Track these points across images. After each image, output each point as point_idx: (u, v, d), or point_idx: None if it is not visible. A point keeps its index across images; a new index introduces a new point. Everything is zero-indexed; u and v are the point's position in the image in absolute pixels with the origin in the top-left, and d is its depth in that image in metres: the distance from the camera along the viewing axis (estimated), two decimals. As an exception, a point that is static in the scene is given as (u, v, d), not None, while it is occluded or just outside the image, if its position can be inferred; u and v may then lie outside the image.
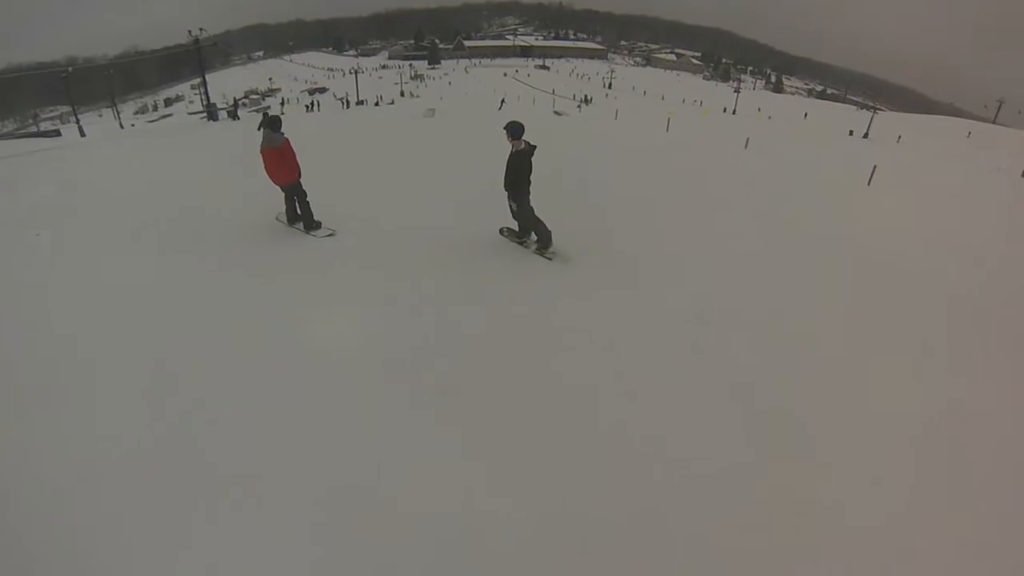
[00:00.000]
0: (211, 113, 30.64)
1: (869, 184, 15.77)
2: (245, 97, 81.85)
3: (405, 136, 18.63)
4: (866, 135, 42.64)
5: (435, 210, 8.19)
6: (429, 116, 27.36)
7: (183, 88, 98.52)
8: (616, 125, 27.09)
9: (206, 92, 42.22)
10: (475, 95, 58.56)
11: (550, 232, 6.37)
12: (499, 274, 6.11)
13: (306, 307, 5.34)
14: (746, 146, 23.54)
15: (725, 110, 58.32)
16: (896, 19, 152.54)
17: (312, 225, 6.98)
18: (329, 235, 7.01)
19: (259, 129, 7.00)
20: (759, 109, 64.00)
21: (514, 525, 3.07)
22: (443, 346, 4.72)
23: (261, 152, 6.42)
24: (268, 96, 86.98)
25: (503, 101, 45.78)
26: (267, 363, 4.42)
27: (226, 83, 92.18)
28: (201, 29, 39.88)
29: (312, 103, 37.83)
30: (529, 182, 6.07)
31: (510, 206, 6.35)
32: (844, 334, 5.29)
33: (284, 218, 7.20)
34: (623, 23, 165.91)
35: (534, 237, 6.59)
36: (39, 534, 2.89)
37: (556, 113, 31.52)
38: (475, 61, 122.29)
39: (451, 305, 5.40)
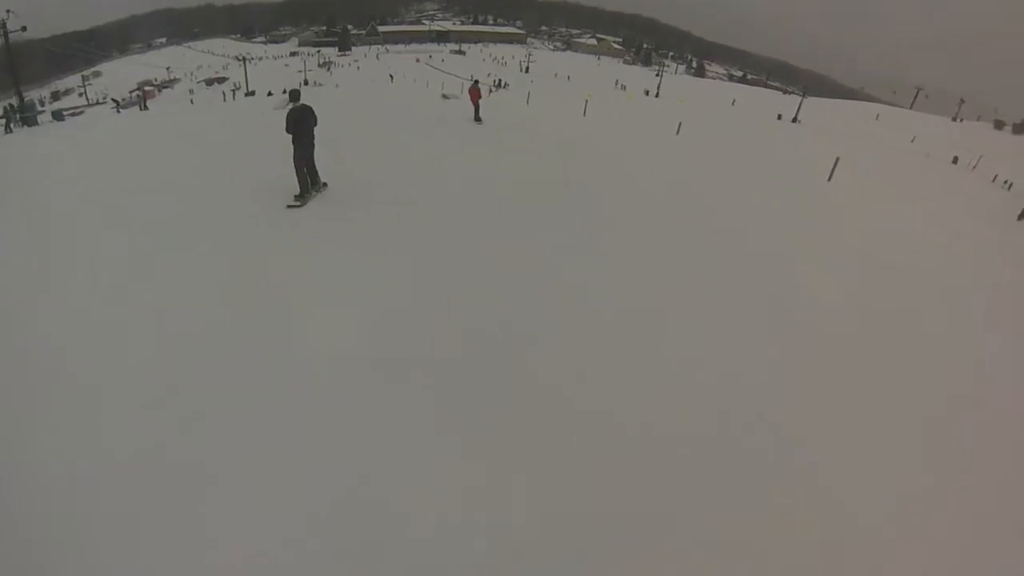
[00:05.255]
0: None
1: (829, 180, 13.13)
2: (138, 89, 72.57)
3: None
4: (795, 119, 40.24)
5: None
6: (282, 107, 23.46)
7: (74, 80, 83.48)
8: (527, 110, 21.96)
9: (17, 91, 32.77)
10: (378, 81, 52.24)
11: (308, 183, 7.00)
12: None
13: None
14: (677, 132, 19.40)
15: (647, 92, 55.09)
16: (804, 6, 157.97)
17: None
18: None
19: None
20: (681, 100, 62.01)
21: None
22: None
23: None
24: (165, 87, 75.87)
25: (391, 76, 51.34)
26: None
27: (120, 73, 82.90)
28: (8, 11, 30.43)
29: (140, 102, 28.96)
30: (309, 136, 6.85)
31: None
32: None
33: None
34: (545, 9, 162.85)
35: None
36: (40, 535, 2.58)
37: (444, 97, 26.13)
38: (387, 47, 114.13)
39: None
